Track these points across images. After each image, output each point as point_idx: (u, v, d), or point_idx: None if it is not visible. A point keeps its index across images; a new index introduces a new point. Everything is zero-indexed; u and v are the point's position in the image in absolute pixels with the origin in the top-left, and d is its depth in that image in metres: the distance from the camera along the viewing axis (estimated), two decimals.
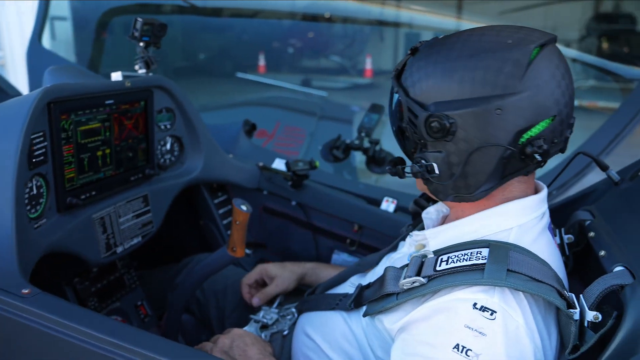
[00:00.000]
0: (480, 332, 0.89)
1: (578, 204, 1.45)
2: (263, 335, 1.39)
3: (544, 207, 1.10)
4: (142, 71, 1.66)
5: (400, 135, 1.09)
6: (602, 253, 1.08)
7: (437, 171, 1.00)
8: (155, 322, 1.74)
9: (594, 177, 1.88)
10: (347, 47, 10.92)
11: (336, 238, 1.89)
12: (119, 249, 1.52)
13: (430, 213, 1.25)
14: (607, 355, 0.88)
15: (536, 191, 1.11)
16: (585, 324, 0.92)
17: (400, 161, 1.17)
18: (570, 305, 0.93)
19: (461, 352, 0.89)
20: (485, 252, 0.97)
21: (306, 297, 1.47)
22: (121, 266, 1.70)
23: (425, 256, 1.05)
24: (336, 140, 2.03)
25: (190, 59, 9.63)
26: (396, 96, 1.07)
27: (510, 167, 0.98)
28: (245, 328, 1.43)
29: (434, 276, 0.98)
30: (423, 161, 1.00)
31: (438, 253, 1.04)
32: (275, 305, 1.52)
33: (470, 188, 1.01)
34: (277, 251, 2.00)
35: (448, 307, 0.93)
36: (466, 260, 0.97)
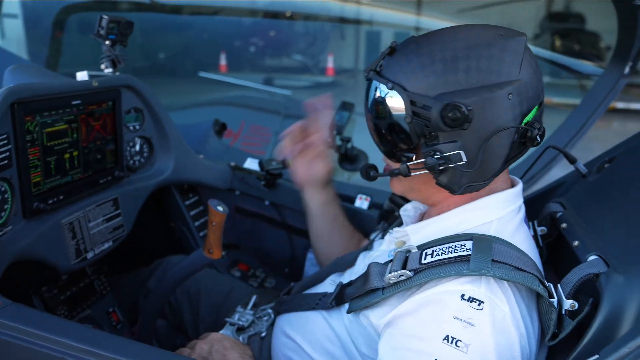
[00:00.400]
0: (469, 323, 0.90)
1: (548, 196, 1.50)
2: (241, 338, 1.37)
3: (520, 201, 1.13)
4: (108, 70, 1.61)
5: (383, 132, 1.06)
6: (576, 243, 1.12)
7: (464, 158, 0.98)
8: (128, 328, 1.70)
9: (557, 170, 1.95)
10: (309, 46, 10.94)
11: None
12: (90, 255, 1.47)
13: (408, 210, 1.26)
14: (586, 340, 0.91)
15: (512, 185, 1.13)
16: (563, 312, 0.95)
17: (373, 166, 1.17)
18: (550, 294, 0.95)
19: (451, 343, 0.90)
20: (469, 244, 0.99)
21: (282, 297, 1.46)
22: (91, 272, 1.65)
23: (409, 251, 1.06)
24: None
25: (149, 58, 9.42)
26: (373, 94, 1.06)
27: (513, 151, 1.02)
28: (221, 332, 1.40)
29: (419, 269, 0.99)
30: (438, 153, 0.99)
31: (422, 247, 1.05)
32: (249, 307, 1.51)
33: (485, 175, 1.02)
34: (251, 252, 1.98)
35: (435, 300, 0.94)
36: (451, 253, 0.98)
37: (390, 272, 1.02)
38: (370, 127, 1.11)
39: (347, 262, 1.38)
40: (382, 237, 1.40)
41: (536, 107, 1.01)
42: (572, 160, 1.41)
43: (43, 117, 1.32)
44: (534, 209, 1.41)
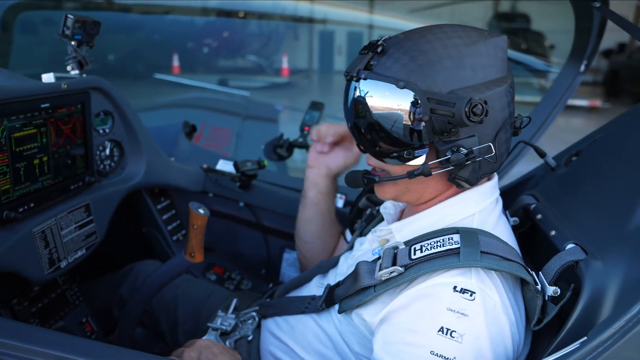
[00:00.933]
0: (462, 314, 0.93)
1: (519, 189, 1.56)
2: (227, 342, 1.35)
3: (497, 193, 1.17)
4: (74, 72, 1.56)
5: (381, 133, 1.04)
6: (553, 233, 1.17)
7: (494, 150, 1.02)
8: (102, 338, 1.64)
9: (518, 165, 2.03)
10: (263, 47, 10.89)
11: (287, 237, 1.88)
12: (63, 264, 1.41)
13: (388, 208, 1.27)
14: (570, 323, 0.95)
15: (488, 178, 1.17)
16: (546, 298, 0.99)
17: (369, 172, 1.14)
18: (535, 281, 0.99)
19: (446, 334, 0.92)
20: (456, 237, 1.01)
21: (265, 300, 1.45)
22: (62, 282, 1.58)
23: (396, 247, 1.07)
24: (279, 139, 2.01)
25: (98, 60, 9.10)
26: (363, 94, 1.03)
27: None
28: (205, 337, 1.38)
29: (410, 265, 1.00)
30: (463, 149, 1.00)
31: (409, 243, 1.06)
32: (230, 310, 1.49)
33: (496, 165, 1.07)
34: (226, 254, 1.96)
35: (428, 293, 0.96)
36: (440, 247, 1.00)
37: (381, 270, 1.03)
38: (362, 129, 1.06)
39: (331, 265, 1.40)
40: (360, 236, 1.42)
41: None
42: (542, 154, 1.48)
43: (11, 122, 1.26)
44: (505, 201, 1.46)
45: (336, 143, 1.53)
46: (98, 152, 1.62)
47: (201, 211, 1.32)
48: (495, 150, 1.03)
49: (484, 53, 1.01)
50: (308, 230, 1.59)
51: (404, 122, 1.01)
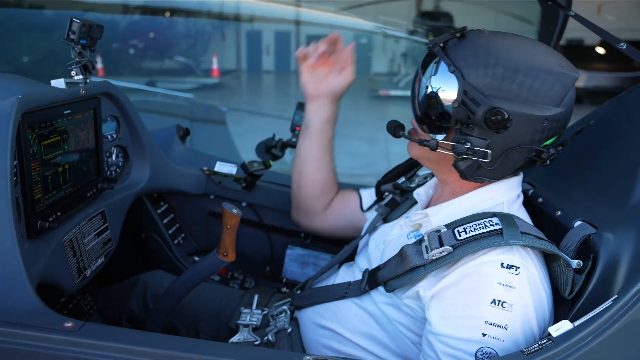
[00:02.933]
0: (510, 286, 1.06)
1: None
2: (270, 336, 1.38)
3: (520, 189, 1.30)
4: (78, 77, 1.52)
5: (426, 101, 1.17)
6: (559, 213, 1.33)
7: (489, 158, 1.12)
8: None
9: None
10: (192, 47, 10.67)
11: (290, 234, 1.94)
12: (88, 272, 1.39)
13: (421, 195, 1.39)
14: (589, 290, 1.10)
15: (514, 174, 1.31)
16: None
17: (401, 125, 1.28)
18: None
19: (498, 305, 1.05)
20: (495, 220, 1.14)
21: (295, 292, 1.51)
22: (77, 292, 1.54)
23: (438, 231, 1.18)
24: (272, 140, 2.07)
25: (10, 61, 8.50)
26: (432, 66, 1.17)
27: (524, 164, 1.19)
28: (237, 335, 1.42)
29: (457, 245, 1.11)
30: (468, 144, 1.12)
31: (450, 227, 1.17)
32: (254, 306, 1.53)
33: (495, 175, 1.18)
34: None
35: (478, 270, 1.08)
36: (483, 228, 1.12)
37: (430, 251, 1.13)
38: (417, 91, 1.20)
39: (348, 252, 1.49)
40: (384, 222, 1.50)
41: (557, 135, 1.16)
42: None
43: (41, 129, 1.23)
44: None
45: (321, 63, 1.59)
46: (105, 158, 1.59)
47: (235, 211, 1.36)
48: (495, 159, 1.13)
49: (540, 79, 1.10)
50: (308, 167, 1.65)
51: (441, 100, 1.15)
